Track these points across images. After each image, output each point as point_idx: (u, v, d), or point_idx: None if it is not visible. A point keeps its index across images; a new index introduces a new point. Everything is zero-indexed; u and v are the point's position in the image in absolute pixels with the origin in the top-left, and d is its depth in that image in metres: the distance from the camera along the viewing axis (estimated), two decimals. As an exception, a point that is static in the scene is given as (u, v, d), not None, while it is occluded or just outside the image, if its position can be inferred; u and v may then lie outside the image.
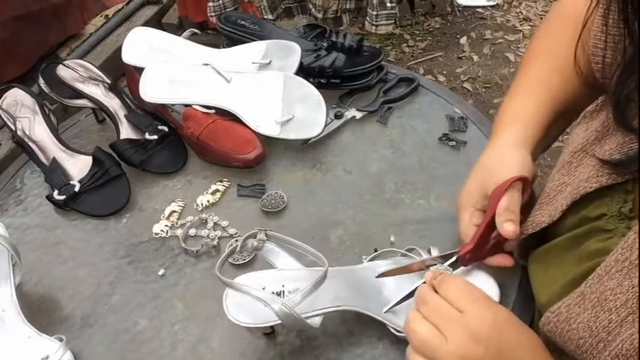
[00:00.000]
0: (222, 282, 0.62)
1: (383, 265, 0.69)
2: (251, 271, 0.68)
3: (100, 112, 0.97)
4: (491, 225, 0.64)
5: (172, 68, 0.93)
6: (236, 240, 0.78)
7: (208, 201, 0.84)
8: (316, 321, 0.64)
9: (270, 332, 0.68)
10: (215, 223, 0.81)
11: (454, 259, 0.65)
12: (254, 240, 0.68)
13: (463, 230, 0.68)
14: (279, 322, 0.61)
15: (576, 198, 0.57)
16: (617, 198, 0.55)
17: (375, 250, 0.74)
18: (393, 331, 0.65)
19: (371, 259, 0.72)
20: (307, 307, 0.62)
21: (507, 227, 0.62)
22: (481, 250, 0.66)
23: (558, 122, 0.72)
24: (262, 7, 1.94)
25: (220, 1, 1.90)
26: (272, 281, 0.66)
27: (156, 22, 2.38)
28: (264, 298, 0.60)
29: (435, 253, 0.68)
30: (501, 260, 0.67)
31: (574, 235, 0.57)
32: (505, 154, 0.68)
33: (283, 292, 0.65)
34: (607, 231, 0.54)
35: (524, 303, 0.67)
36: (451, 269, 0.65)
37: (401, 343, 0.65)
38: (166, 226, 0.81)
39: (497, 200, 0.64)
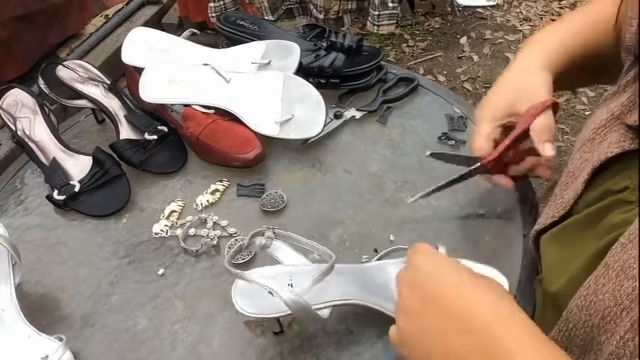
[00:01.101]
0: (231, 274, 0.62)
1: (391, 263, 0.69)
2: (251, 269, 0.68)
3: (100, 112, 0.97)
4: (517, 140, 0.66)
5: (172, 68, 0.94)
6: (241, 238, 0.78)
7: (208, 201, 0.84)
8: (325, 312, 0.64)
9: (278, 331, 0.68)
10: (215, 223, 0.81)
11: (478, 165, 0.68)
12: (262, 237, 0.68)
13: (479, 141, 0.69)
14: (287, 313, 0.61)
15: (596, 165, 0.57)
16: None
17: (376, 251, 0.74)
18: None
19: (378, 259, 0.71)
20: (316, 298, 0.63)
21: (548, 148, 0.64)
22: (499, 162, 0.68)
23: (579, 68, 0.73)
24: (263, 7, 1.93)
25: (221, 2, 1.90)
26: (279, 276, 0.66)
27: (156, 22, 2.38)
28: (274, 287, 0.60)
29: (442, 250, 0.66)
30: (504, 182, 0.70)
31: (595, 209, 0.57)
32: (533, 75, 0.69)
33: (291, 285, 0.65)
34: (630, 202, 0.53)
35: (521, 303, 0.67)
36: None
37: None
38: (166, 225, 0.81)
39: (530, 118, 0.65)
